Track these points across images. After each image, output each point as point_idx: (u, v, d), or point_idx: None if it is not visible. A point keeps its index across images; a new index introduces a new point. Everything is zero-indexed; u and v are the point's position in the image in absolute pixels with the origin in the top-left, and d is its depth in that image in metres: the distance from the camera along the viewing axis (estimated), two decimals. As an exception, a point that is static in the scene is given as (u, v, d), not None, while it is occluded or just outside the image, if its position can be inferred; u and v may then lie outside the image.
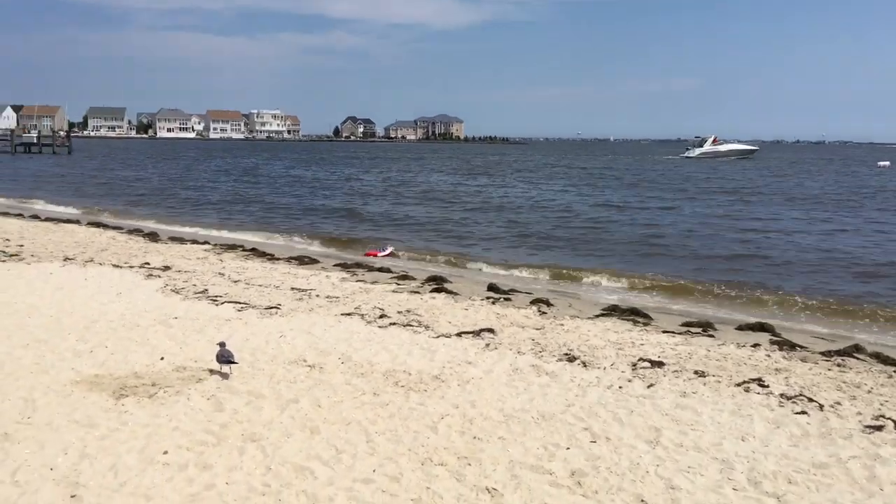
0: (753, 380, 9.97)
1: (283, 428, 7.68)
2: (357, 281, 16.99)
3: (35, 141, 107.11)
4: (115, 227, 25.74)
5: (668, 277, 19.83)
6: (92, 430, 7.39)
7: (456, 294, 15.71)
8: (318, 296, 14.78)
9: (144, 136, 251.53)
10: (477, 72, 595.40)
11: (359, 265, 19.49)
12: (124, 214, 33.58)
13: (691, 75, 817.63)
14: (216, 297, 14.17)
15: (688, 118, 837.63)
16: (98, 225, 26.31)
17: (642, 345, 11.98)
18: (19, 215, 28.35)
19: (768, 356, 11.45)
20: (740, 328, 14.01)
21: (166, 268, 17.26)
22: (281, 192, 49.61)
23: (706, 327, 13.78)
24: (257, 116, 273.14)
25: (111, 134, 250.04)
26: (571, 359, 10.92)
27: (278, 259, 20.00)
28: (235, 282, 15.94)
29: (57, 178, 58.76)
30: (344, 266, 19.21)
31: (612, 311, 14.94)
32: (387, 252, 23.29)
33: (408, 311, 13.75)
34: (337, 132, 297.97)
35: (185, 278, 16.04)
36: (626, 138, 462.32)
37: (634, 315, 14.65)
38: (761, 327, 13.94)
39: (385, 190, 52.72)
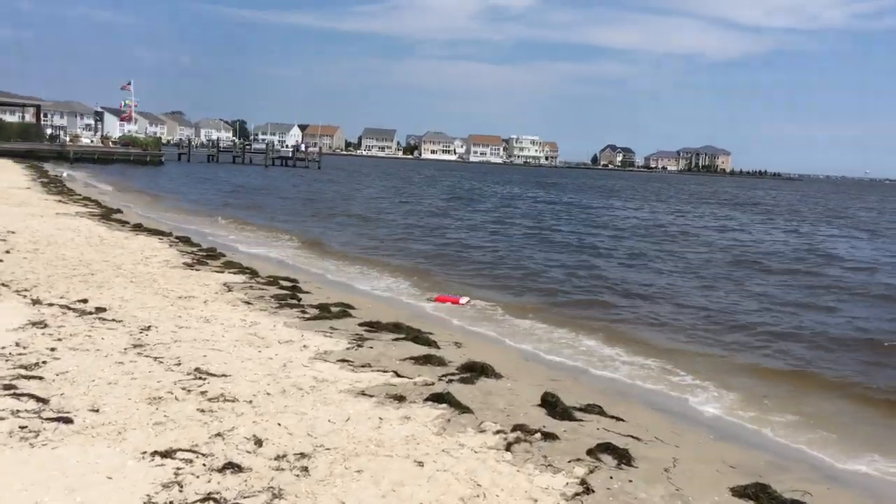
0: None
1: None
2: (342, 360, 10.28)
3: (290, 156, 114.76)
4: (165, 234, 22.19)
5: None
6: None
7: (465, 412, 8.43)
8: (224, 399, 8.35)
9: (410, 156, 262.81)
10: (751, 103, 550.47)
11: (397, 326, 12.77)
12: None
13: None
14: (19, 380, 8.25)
15: None
16: (147, 230, 22.29)
17: None
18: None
19: None
20: None
21: (99, 310, 11.85)
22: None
23: None
24: (516, 142, 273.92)
25: (381, 154, 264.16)
26: None
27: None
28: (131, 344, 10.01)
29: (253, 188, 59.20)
30: (393, 330, 12.57)
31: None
32: (466, 301, 16.83)
33: (302, 454, 6.84)
34: (595, 160, 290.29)
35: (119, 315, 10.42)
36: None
37: None
38: None
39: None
